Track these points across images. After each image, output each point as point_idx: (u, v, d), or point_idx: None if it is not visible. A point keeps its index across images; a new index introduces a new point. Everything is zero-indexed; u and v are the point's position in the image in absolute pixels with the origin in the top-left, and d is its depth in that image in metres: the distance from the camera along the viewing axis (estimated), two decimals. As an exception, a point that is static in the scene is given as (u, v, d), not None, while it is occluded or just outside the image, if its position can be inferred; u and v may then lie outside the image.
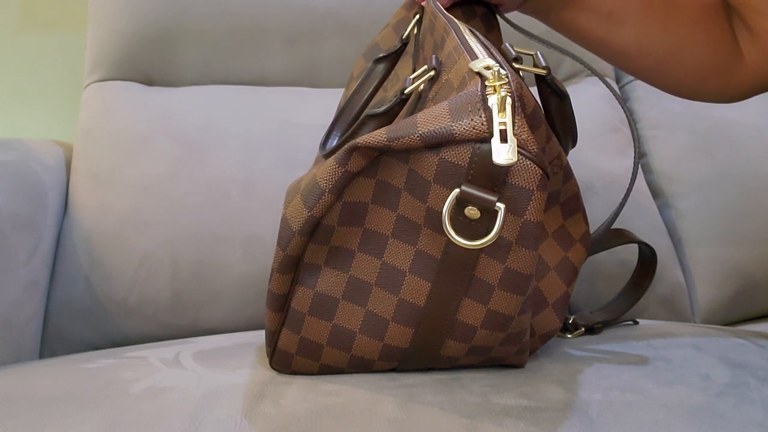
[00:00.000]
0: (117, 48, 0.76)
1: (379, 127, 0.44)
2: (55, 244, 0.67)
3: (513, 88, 0.37)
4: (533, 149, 0.36)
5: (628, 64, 0.59)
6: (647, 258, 0.59)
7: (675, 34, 0.56)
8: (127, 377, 0.44)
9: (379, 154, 0.39)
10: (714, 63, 0.56)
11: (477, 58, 0.40)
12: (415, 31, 0.58)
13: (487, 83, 0.37)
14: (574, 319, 0.55)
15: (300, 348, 0.43)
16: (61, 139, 0.79)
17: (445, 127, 0.36)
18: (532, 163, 0.36)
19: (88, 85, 0.77)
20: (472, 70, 0.39)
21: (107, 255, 0.66)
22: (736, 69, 0.57)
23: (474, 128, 0.36)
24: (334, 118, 0.56)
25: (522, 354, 0.45)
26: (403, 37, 0.58)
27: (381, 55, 0.58)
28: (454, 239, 0.36)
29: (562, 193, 0.48)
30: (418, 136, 0.37)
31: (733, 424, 0.36)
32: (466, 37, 0.44)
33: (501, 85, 0.36)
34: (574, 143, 0.52)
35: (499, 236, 0.37)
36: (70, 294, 0.66)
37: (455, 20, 0.48)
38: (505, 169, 0.36)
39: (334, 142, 0.54)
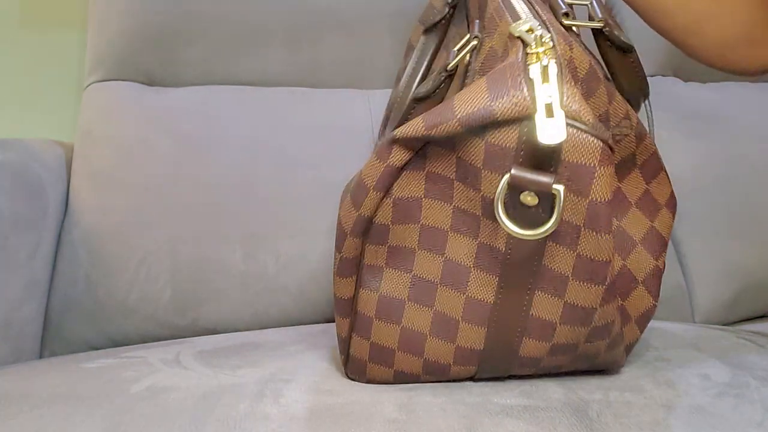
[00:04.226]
0: (117, 48, 0.76)
1: (428, 108, 0.41)
2: (55, 244, 0.67)
3: (559, 53, 0.33)
4: (588, 120, 0.32)
5: (662, 20, 0.57)
6: None
7: None
8: (127, 377, 0.44)
9: (424, 145, 0.36)
10: (750, 30, 0.56)
11: (519, 18, 0.36)
12: None
13: (528, 50, 0.33)
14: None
15: (372, 354, 0.41)
16: (61, 139, 0.79)
17: (484, 108, 0.32)
18: (588, 136, 0.32)
19: (88, 85, 0.77)
20: (512, 35, 0.35)
21: (107, 255, 0.66)
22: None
23: (516, 105, 0.32)
24: (390, 103, 0.52)
25: (615, 348, 0.41)
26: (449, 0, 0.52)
27: (428, 24, 0.52)
28: (510, 230, 0.33)
29: (638, 155, 0.42)
30: (457, 121, 0.33)
31: (733, 424, 0.36)
32: None
33: (544, 51, 0.32)
34: (645, 96, 0.46)
35: (565, 221, 0.34)
36: (70, 294, 0.66)
37: None
38: (557, 148, 0.32)
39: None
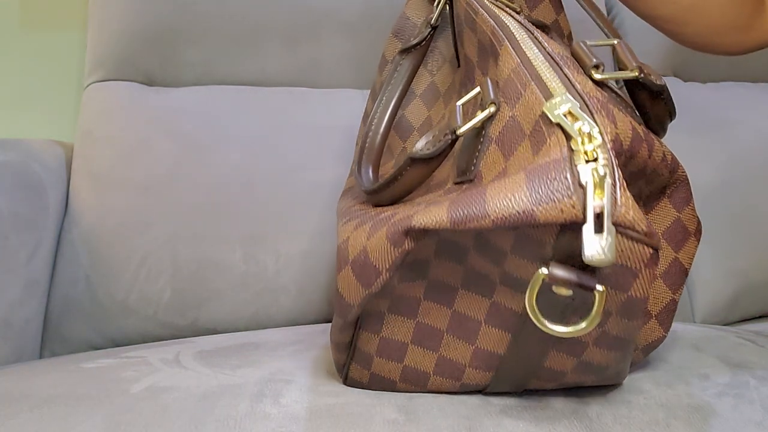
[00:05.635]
0: (117, 48, 0.76)
1: (426, 170, 0.38)
2: (55, 244, 0.67)
3: (610, 151, 0.29)
4: (642, 228, 0.29)
5: (651, 9, 0.58)
6: None
7: None
8: (128, 377, 0.44)
9: None
10: (737, 17, 0.57)
11: (548, 91, 0.32)
12: (447, 9, 0.48)
13: (573, 146, 0.29)
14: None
15: (372, 380, 0.40)
16: (61, 139, 0.79)
17: (524, 213, 0.29)
18: (639, 244, 0.29)
19: (88, 85, 0.77)
20: (549, 119, 0.31)
21: (107, 255, 0.66)
22: (755, 25, 0.57)
23: (563, 213, 0.28)
24: (363, 140, 0.49)
25: (619, 377, 0.40)
26: (431, 21, 0.48)
27: (406, 46, 0.49)
28: (546, 328, 0.30)
29: (670, 186, 0.40)
30: (490, 221, 0.30)
31: (733, 423, 0.36)
32: (525, 50, 0.36)
33: (595, 148, 0.29)
34: (672, 119, 0.43)
35: None
36: (70, 294, 0.66)
37: (500, 14, 0.39)
38: None
39: (369, 173, 0.47)
